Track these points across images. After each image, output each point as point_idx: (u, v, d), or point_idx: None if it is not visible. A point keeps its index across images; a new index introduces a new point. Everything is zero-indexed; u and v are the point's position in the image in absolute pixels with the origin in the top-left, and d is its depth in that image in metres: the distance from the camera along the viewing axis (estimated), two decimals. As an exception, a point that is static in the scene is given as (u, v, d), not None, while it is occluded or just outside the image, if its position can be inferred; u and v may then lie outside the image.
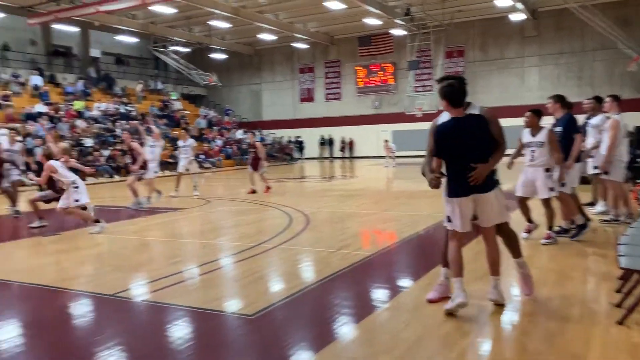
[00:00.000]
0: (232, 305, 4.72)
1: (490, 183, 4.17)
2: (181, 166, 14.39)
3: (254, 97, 39.07)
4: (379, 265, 6.21)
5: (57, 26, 27.97)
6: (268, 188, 14.12)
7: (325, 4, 25.75)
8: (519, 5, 25.87)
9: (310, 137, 36.18)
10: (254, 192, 14.01)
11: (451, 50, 32.08)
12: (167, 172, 24.58)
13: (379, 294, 5.04)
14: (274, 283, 5.55)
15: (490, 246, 4.33)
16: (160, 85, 35.42)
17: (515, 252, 4.56)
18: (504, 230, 4.44)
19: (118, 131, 25.96)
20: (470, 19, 30.55)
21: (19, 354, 3.78)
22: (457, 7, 28.07)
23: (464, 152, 4.08)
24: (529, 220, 6.91)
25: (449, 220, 4.24)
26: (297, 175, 23.66)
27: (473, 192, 4.11)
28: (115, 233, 8.74)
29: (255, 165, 14.29)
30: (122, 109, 28.93)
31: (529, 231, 6.84)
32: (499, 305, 4.29)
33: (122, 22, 29.09)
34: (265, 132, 36.49)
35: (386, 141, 26.93)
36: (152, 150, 12.97)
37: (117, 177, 22.41)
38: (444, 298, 4.41)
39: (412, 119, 29.65)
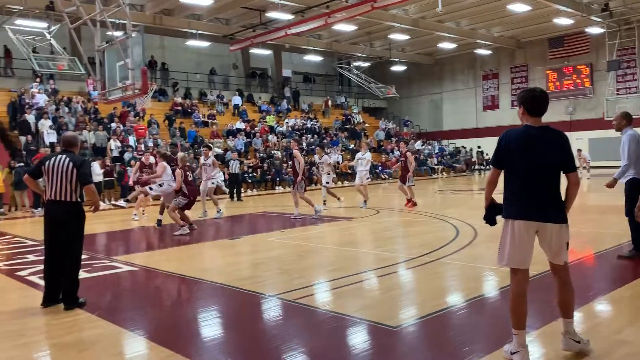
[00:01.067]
0: (378, 315, 4.78)
1: (563, 213, 3.53)
2: (359, 178, 14.44)
3: (434, 107, 38.68)
4: (543, 286, 5.74)
5: (254, 50, 31.10)
6: (411, 202, 13.65)
7: (509, 7, 24.53)
8: None
9: (494, 146, 34.44)
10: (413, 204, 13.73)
11: (662, 46, 28.03)
12: (347, 183, 25.65)
13: (534, 318, 4.67)
14: (422, 297, 5.48)
15: (562, 281, 3.64)
16: (342, 100, 37.14)
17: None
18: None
19: (304, 145, 27.85)
20: (687, 8, 26.39)
21: (203, 341, 4.36)
22: (668, -5, 24.50)
23: (533, 166, 3.48)
24: None
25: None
26: (475, 186, 22.82)
27: (538, 218, 3.47)
28: (288, 239, 9.46)
29: (404, 178, 13.79)
30: (308, 124, 30.98)
31: None
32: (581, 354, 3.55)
33: (309, 43, 31.23)
34: (444, 142, 35.90)
35: (579, 150, 24.50)
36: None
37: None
38: None
39: (611, 125, 26.54)
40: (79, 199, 5.42)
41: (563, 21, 26.77)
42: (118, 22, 16.08)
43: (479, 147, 34.68)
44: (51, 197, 5.32)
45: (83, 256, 5.60)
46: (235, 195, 19.20)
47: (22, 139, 19.67)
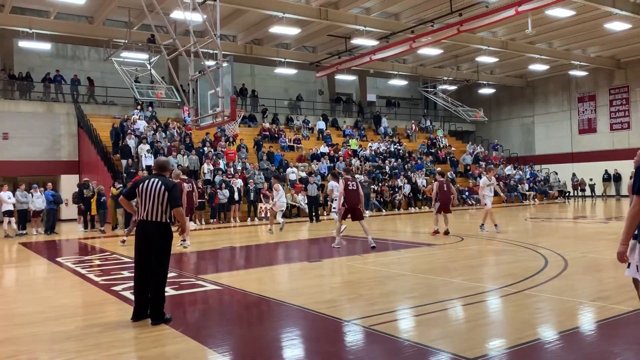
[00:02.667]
0: (456, 346, 4.61)
1: None
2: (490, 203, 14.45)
3: (526, 131, 37.18)
4: (636, 323, 5.33)
5: (339, 76, 31.67)
6: (435, 231, 13.66)
7: (606, 25, 23.29)
8: None
9: (591, 172, 32.44)
10: (439, 232, 13.56)
11: None
12: (425, 209, 25.13)
13: (627, 356, 4.33)
14: (503, 329, 5.24)
15: None
16: (427, 123, 36.67)
17: None
18: None
19: (387, 168, 27.76)
20: None
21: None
22: None
23: None
24: None
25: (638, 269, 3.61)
26: (570, 214, 21.58)
27: None
28: (368, 264, 9.42)
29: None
30: (391, 148, 30.87)
31: None
32: None
33: (394, 68, 31.32)
34: (536, 167, 34.33)
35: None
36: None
37: (384, 212, 23.89)
38: None
39: None
40: (168, 220, 5.75)
41: (669, 38, 25.01)
42: (212, 53, 17.03)
43: (555, 172, 33.01)
44: (143, 217, 5.69)
45: (171, 274, 5.91)
46: (314, 217, 20.17)
47: (123, 162, 21.19)
